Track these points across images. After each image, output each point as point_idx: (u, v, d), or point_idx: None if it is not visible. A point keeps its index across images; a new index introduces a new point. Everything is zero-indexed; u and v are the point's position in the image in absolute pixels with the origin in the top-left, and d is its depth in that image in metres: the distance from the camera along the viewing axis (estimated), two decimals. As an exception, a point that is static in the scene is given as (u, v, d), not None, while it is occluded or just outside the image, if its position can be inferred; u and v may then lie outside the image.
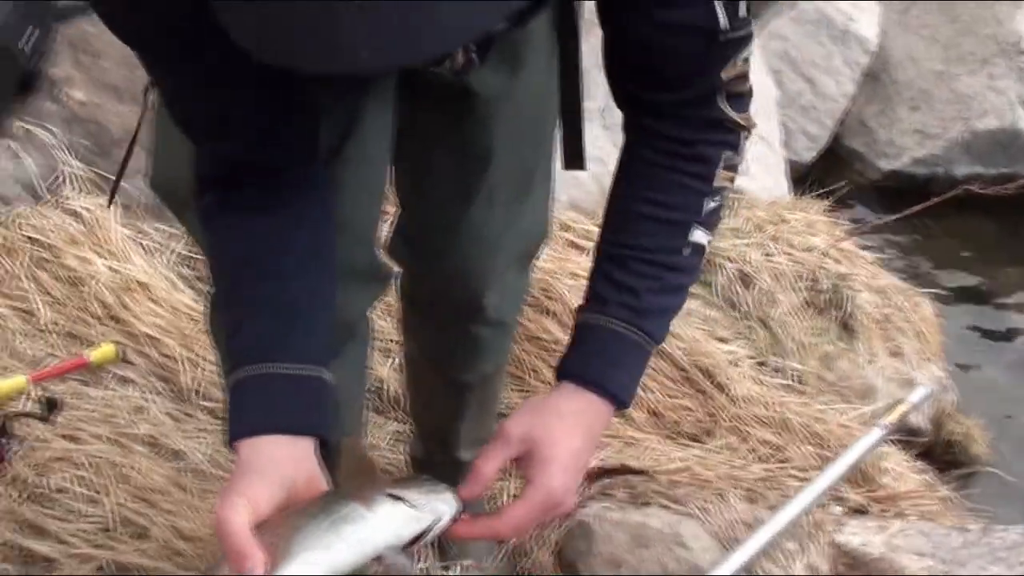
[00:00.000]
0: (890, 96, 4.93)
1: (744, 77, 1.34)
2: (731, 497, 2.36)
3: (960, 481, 3.15)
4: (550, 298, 2.89)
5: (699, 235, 1.37)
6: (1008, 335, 3.97)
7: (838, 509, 2.50)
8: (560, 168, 1.70)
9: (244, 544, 1.07)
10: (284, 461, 1.20)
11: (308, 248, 1.36)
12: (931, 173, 4.71)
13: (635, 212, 1.37)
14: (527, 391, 2.74)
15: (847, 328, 3.24)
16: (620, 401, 1.36)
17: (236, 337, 1.33)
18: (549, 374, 2.75)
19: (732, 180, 1.39)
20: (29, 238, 2.86)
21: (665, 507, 2.31)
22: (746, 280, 3.22)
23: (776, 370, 3.02)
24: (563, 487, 1.30)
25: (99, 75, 3.16)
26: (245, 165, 1.34)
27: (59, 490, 2.31)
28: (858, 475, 2.66)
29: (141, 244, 2.95)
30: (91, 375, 2.63)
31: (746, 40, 1.31)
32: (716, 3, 1.25)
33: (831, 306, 3.26)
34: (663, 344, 2.61)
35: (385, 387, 2.70)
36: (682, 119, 1.35)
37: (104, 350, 2.63)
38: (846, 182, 4.24)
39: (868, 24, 4.93)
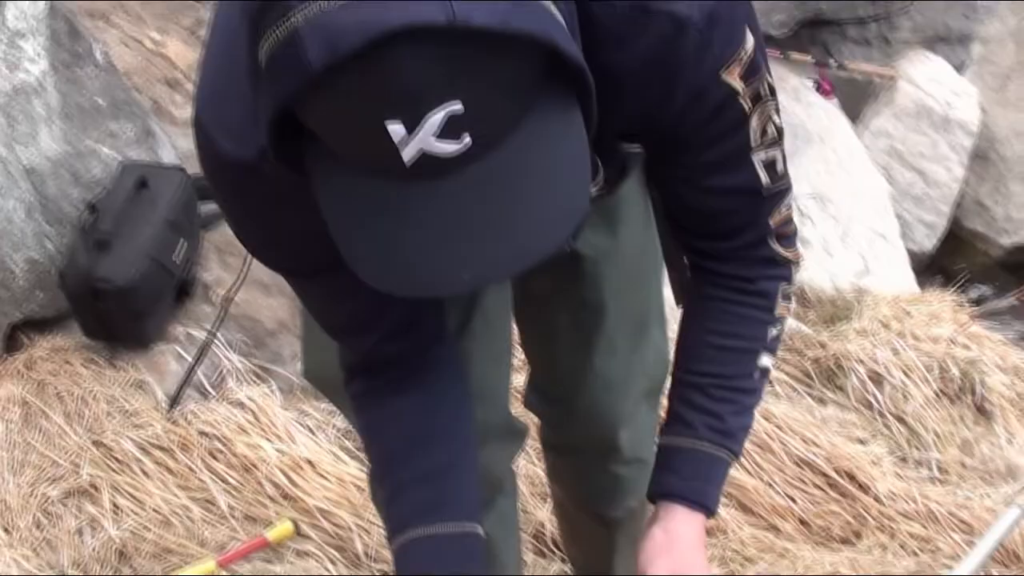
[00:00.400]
0: (1000, 173, 5.01)
1: (789, 220, 1.51)
2: (891, 600, 2.46)
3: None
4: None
5: (765, 360, 1.54)
6: None
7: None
8: (673, 304, 1.85)
9: None
10: None
11: (449, 420, 1.55)
12: (1056, 240, 4.77)
13: (710, 344, 1.54)
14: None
15: (982, 412, 3.32)
16: (714, 513, 1.54)
17: (395, 505, 1.52)
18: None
19: (789, 309, 1.56)
20: (201, 432, 3.08)
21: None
22: (877, 379, 3.33)
23: (918, 463, 3.11)
24: None
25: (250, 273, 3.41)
26: (384, 355, 1.52)
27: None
28: (1007, 554, 2.73)
29: (304, 424, 3.15)
30: (272, 552, 2.82)
31: (787, 192, 1.48)
32: (757, 166, 1.41)
33: (963, 392, 3.34)
34: (803, 454, 2.76)
35: (545, 530, 2.85)
36: (740, 260, 1.51)
37: (281, 528, 2.82)
38: (964, 265, 4.31)
39: (967, 107, 5.03)
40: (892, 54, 5.62)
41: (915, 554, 2.74)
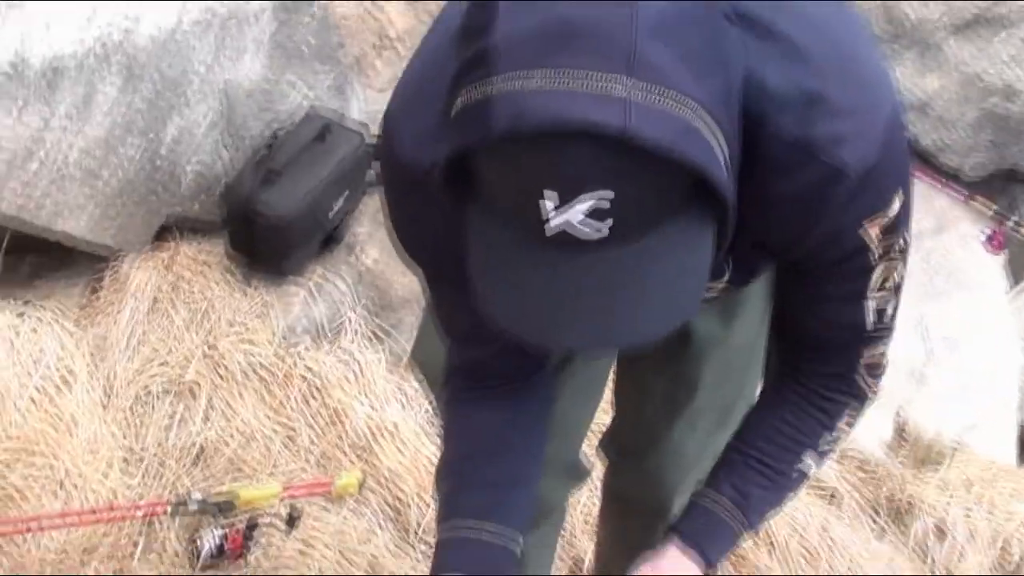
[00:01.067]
0: None
1: (882, 359, 1.62)
2: None
3: None
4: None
5: (808, 462, 1.67)
6: None
7: None
8: None
9: None
10: None
11: (526, 441, 1.70)
12: None
13: (767, 424, 1.67)
14: None
15: (1030, 594, 3.36)
16: (712, 565, 1.65)
17: (453, 499, 1.68)
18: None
19: (849, 427, 1.68)
20: (305, 372, 3.26)
21: None
22: (940, 533, 3.38)
23: (951, 622, 3.16)
24: None
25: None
26: (489, 368, 1.66)
27: (285, 590, 2.66)
28: None
29: (401, 394, 3.30)
30: (333, 500, 2.99)
31: (887, 337, 1.58)
32: (867, 310, 1.51)
33: (1019, 572, 3.37)
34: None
35: (582, 566, 2.96)
36: (823, 380, 1.64)
37: (348, 479, 2.99)
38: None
39: None
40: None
41: None
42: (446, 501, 1.68)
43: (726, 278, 1.57)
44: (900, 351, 4.20)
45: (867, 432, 3.70)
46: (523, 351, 1.60)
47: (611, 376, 2.13)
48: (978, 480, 3.64)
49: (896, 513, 3.42)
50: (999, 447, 4.09)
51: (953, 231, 4.59)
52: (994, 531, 3.44)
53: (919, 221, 4.37)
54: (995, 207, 5.18)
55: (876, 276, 1.47)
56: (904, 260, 1.49)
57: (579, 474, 2.07)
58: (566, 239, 1.11)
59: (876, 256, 1.44)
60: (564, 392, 1.82)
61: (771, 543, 3.07)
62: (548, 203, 1.09)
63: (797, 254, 1.45)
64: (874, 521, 3.38)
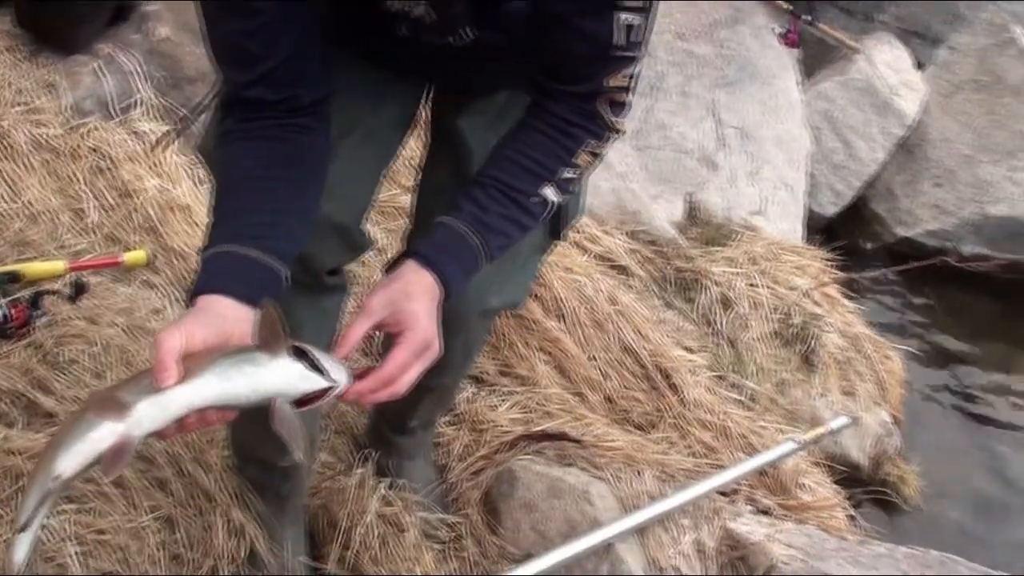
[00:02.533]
0: (919, 170, 5.20)
1: (625, 91, 1.66)
2: (646, 473, 2.65)
3: (879, 512, 3.44)
4: (542, 285, 3.17)
5: (548, 192, 1.70)
6: (968, 397, 4.27)
7: (748, 507, 2.77)
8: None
9: (166, 360, 1.38)
10: (227, 317, 1.49)
11: (301, 182, 1.67)
12: (940, 246, 4.98)
13: (507, 156, 1.70)
14: (500, 360, 3.04)
15: (808, 362, 3.53)
16: (448, 290, 1.65)
17: (226, 223, 1.61)
18: (524, 349, 3.05)
19: (589, 163, 1.72)
20: (94, 148, 3.19)
21: (584, 469, 2.61)
22: (726, 303, 3.51)
23: (732, 386, 3.30)
24: (430, 332, 1.59)
25: (186, 17, 3.48)
26: (263, 99, 1.64)
27: (71, 361, 2.63)
28: (777, 485, 2.94)
29: (192, 173, 3.26)
30: (123, 275, 2.95)
31: (633, 61, 1.63)
32: (616, 23, 1.55)
33: (797, 340, 3.54)
34: (631, 342, 2.94)
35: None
36: (567, 104, 1.67)
37: (137, 254, 2.95)
38: (846, 241, 4.52)
39: (911, 101, 5.20)
40: (869, 31, 5.78)
41: (695, 456, 2.93)
42: (212, 229, 1.62)
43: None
44: (692, 137, 4.33)
45: (659, 212, 3.80)
46: (298, 81, 1.62)
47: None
48: (762, 257, 3.77)
49: (683, 287, 3.54)
50: (786, 228, 4.24)
51: (749, 24, 4.67)
52: (777, 301, 3.58)
53: (716, 10, 4.45)
54: (788, 6, 5.32)
55: None
56: None
57: (356, 244, 2.02)
58: None
59: None
60: (339, 158, 1.80)
61: (560, 313, 3.15)
62: None
63: None
64: (663, 293, 3.49)
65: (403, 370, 1.57)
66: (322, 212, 1.73)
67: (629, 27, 1.57)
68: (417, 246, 1.66)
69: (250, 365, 1.42)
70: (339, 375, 1.50)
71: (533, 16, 1.60)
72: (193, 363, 1.40)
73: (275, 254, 1.59)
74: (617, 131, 1.72)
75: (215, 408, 1.42)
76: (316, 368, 1.48)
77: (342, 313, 2.15)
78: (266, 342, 1.45)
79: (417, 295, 1.60)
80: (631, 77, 1.65)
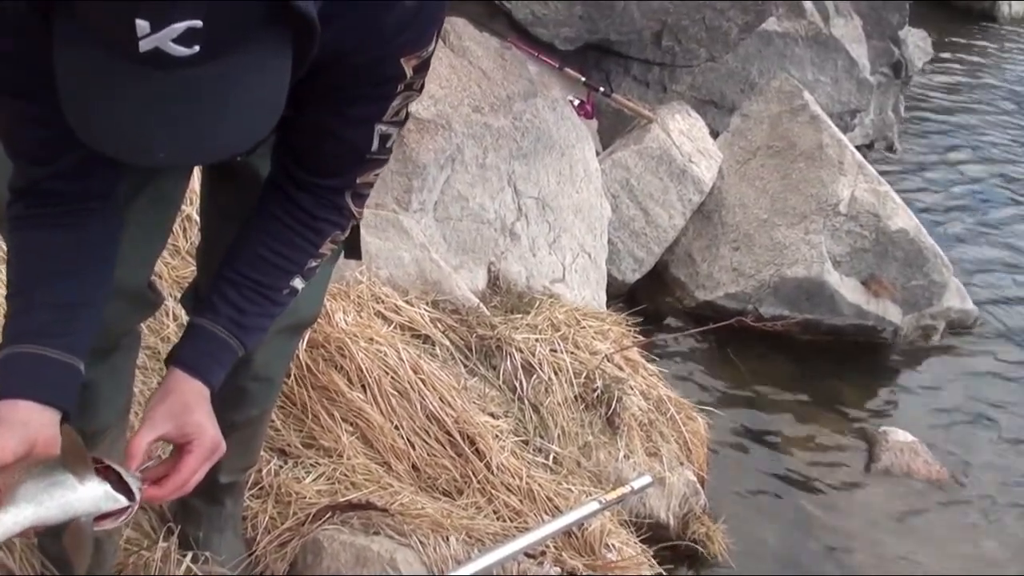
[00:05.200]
0: (716, 235, 5.37)
1: (370, 186, 1.75)
2: (452, 538, 2.65)
3: (687, 571, 3.51)
4: (344, 356, 3.16)
5: (296, 282, 1.77)
6: (772, 454, 4.39)
7: (555, 569, 2.79)
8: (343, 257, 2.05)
9: None
10: (33, 424, 1.52)
11: (92, 266, 1.68)
12: (741, 308, 5.12)
13: (259, 255, 1.74)
14: (305, 432, 3.02)
15: (611, 425, 3.58)
16: (213, 388, 1.70)
17: (16, 320, 1.63)
18: (328, 420, 3.04)
19: (332, 249, 1.80)
20: None
21: (391, 537, 2.60)
22: (528, 370, 3.55)
23: (537, 450, 3.33)
24: (216, 436, 1.64)
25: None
26: (53, 189, 1.63)
27: None
28: (584, 545, 2.97)
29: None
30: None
31: (382, 163, 1.71)
32: (375, 134, 1.64)
33: (600, 403, 3.59)
34: (436, 410, 2.95)
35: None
36: (315, 197, 1.73)
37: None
38: (647, 305, 4.63)
39: (707, 168, 5.37)
40: (665, 100, 5.96)
41: (502, 520, 2.94)
42: (7, 326, 1.64)
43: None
44: (492, 207, 4.39)
45: (461, 282, 3.83)
46: (86, 175, 1.63)
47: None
48: (564, 323, 3.83)
49: (486, 354, 3.56)
50: (587, 295, 4.31)
51: (544, 96, 4.77)
52: (579, 365, 3.63)
53: (511, 83, 4.53)
54: (583, 77, 5.47)
55: (395, 105, 1.60)
56: (415, 99, 1.65)
57: (146, 304, 2.04)
58: (158, 58, 1.19)
59: (403, 87, 1.57)
60: (131, 220, 1.80)
61: (364, 383, 3.14)
62: (142, 25, 1.17)
63: (337, 76, 1.54)
64: (467, 361, 3.51)
65: (195, 474, 1.63)
66: (114, 279, 1.73)
67: (385, 136, 1.65)
68: (181, 355, 1.71)
69: (60, 489, 1.47)
70: (135, 488, 1.55)
71: (293, 118, 1.64)
72: (4, 483, 1.45)
73: (71, 350, 1.62)
74: (358, 219, 1.80)
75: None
76: (120, 482, 1.54)
77: (134, 367, 2.20)
78: (72, 466, 1.49)
79: (194, 405, 1.66)
80: (374, 179, 1.74)
